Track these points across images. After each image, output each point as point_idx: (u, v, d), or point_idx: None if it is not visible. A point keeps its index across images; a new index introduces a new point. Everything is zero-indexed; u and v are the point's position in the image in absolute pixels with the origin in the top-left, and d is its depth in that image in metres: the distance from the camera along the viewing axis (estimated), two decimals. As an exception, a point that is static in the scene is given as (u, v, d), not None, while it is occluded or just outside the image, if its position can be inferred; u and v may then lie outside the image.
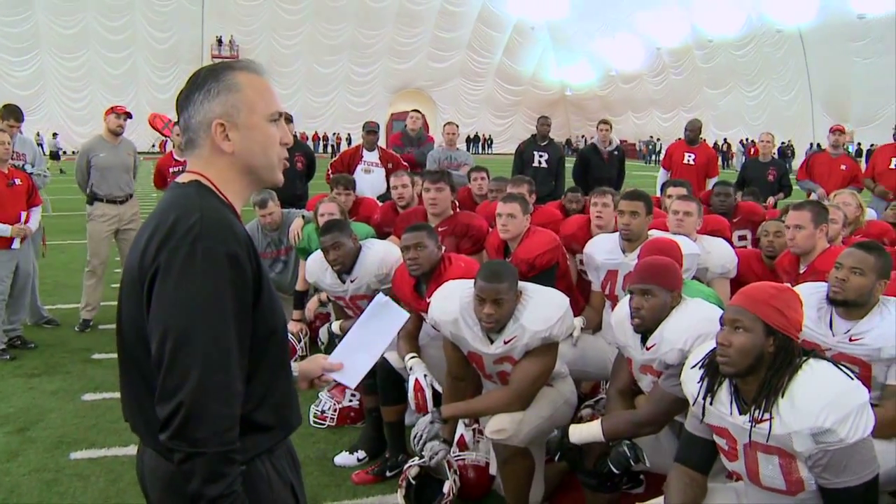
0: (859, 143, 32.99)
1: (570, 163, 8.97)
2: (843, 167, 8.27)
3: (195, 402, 1.39)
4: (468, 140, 51.22)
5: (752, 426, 2.29)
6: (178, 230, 1.45)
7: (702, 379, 2.49)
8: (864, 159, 26.79)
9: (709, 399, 2.45)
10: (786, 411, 2.23)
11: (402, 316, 2.21)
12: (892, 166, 7.80)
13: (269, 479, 1.61)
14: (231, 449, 1.43)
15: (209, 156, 1.59)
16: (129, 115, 6.70)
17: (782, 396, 2.25)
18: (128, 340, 1.57)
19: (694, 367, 2.55)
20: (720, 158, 38.31)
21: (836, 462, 2.21)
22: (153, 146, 34.93)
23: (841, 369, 2.29)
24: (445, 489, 3.49)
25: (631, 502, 3.22)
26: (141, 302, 1.48)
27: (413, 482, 3.55)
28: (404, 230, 3.87)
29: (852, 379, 2.26)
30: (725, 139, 42.29)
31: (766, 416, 2.26)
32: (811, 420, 2.18)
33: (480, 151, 50.68)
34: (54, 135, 36.38)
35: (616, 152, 8.81)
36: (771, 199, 7.87)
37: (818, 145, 32.01)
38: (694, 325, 2.89)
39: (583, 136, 53.42)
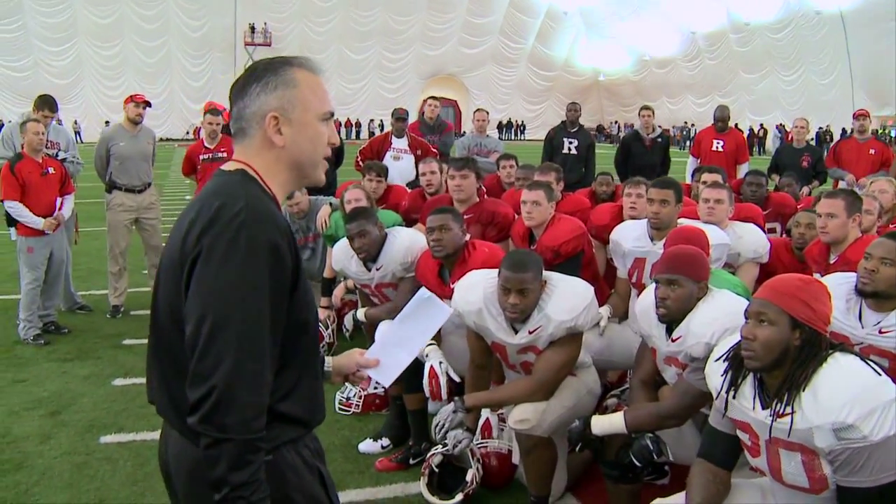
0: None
1: (601, 149, 8.87)
2: (871, 151, 8.15)
3: (227, 387, 1.40)
4: (500, 126, 51.04)
5: (773, 421, 2.24)
6: (222, 216, 1.46)
7: (725, 372, 2.43)
8: (904, 144, 26.07)
9: (732, 393, 2.40)
10: (808, 405, 2.17)
11: (444, 312, 2.18)
12: None
13: (295, 467, 1.62)
14: (258, 437, 1.44)
15: (259, 147, 1.61)
16: (147, 104, 6.72)
17: (805, 390, 2.19)
18: (162, 321, 1.59)
19: (718, 360, 2.49)
20: (756, 144, 37.85)
21: (855, 459, 2.13)
22: (187, 133, 35.29)
23: (868, 364, 2.20)
24: (469, 477, 3.49)
25: (653, 494, 3.18)
26: (179, 284, 1.50)
27: (436, 470, 3.56)
28: (430, 213, 3.86)
29: (880, 374, 2.17)
30: (762, 124, 41.62)
31: (788, 410, 2.20)
32: (833, 414, 2.11)
33: (513, 138, 50.50)
34: (106, 123, 36.62)
35: (660, 139, 8.68)
36: (806, 189, 7.74)
37: (845, 131, 31.32)
38: (721, 319, 2.83)
39: (615, 122, 53.01)
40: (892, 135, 31.83)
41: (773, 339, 2.22)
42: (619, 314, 4.36)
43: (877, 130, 30.41)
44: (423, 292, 2.19)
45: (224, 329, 1.41)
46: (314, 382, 1.67)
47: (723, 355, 2.48)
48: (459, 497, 3.47)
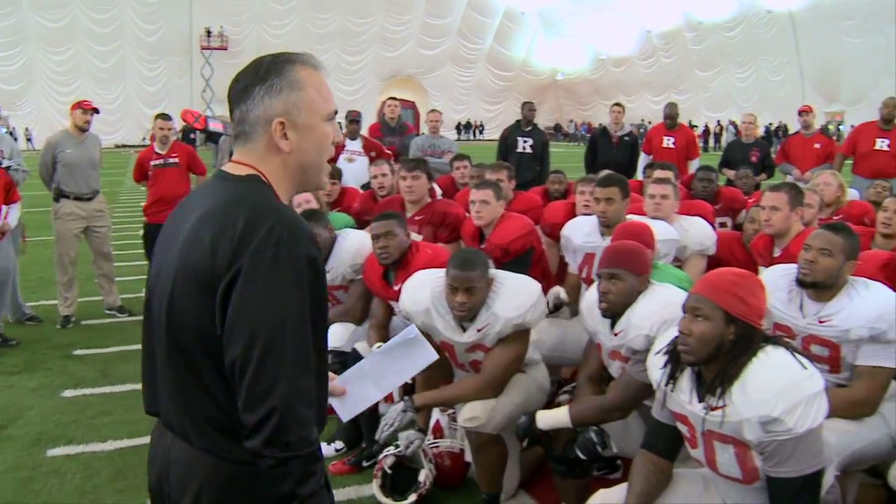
0: (852, 124, 32.94)
1: (558, 147, 8.92)
2: (816, 146, 8.39)
3: (287, 408, 1.38)
4: (459, 127, 51.11)
5: (706, 414, 2.28)
6: (257, 232, 1.42)
7: (665, 365, 2.47)
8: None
9: (670, 386, 2.44)
10: (738, 399, 2.22)
11: (429, 356, 2.11)
12: (876, 147, 7.78)
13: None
14: (317, 448, 1.46)
15: (264, 152, 1.56)
16: (95, 111, 6.61)
17: (735, 384, 2.23)
18: (182, 337, 1.52)
19: (658, 353, 2.54)
20: (713, 140, 38.46)
21: (781, 451, 2.19)
22: (144, 139, 34.78)
23: (796, 357, 2.25)
24: (422, 478, 3.49)
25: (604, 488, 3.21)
26: (205, 303, 1.45)
27: (389, 472, 3.55)
28: (373, 219, 3.85)
29: (806, 368, 2.22)
30: (718, 121, 42.27)
31: (721, 403, 2.25)
32: (760, 408, 2.16)
33: (472, 138, 50.58)
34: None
35: (627, 137, 8.71)
36: (760, 177, 7.94)
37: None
38: (660, 311, 2.88)
39: (571, 121, 53.42)
40: (842, 129, 32.48)
41: (708, 334, 2.26)
42: (572, 301, 4.38)
43: (825, 125, 31.05)
44: (412, 330, 2.12)
45: (276, 349, 1.39)
46: (325, 387, 1.66)
47: (662, 349, 2.52)
48: (413, 498, 3.47)
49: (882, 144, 7.76)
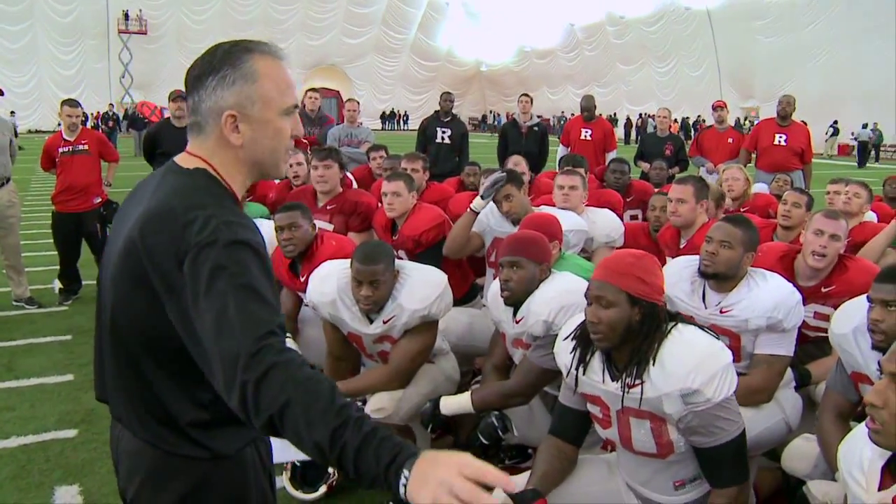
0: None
1: (480, 139, 8.95)
2: (729, 140, 8.72)
3: (254, 380, 1.27)
4: (383, 116, 50.90)
5: (624, 392, 2.35)
6: (195, 225, 1.37)
7: (574, 350, 2.53)
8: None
9: (581, 369, 2.50)
10: (656, 375, 2.30)
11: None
12: (775, 142, 8.08)
13: (255, 466, 1.62)
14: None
15: (215, 145, 1.52)
16: (0, 93, 6.34)
17: (653, 362, 2.31)
18: (123, 331, 1.50)
19: (566, 338, 2.58)
20: (634, 132, 39.27)
21: (705, 423, 2.30)
22: (59, 125, 33.45)
23: (707, 332, 2.38)
24: (331, 469, 3.47)
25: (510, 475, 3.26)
26: (145, 299, 1.42)
27: (298, 464, 3.52)
28: (277, 211, 3.81)
29: (717, 339, 2.36)
30: (641, 114, 43.14)
31: (638, 381, 2.32)
32: (680, 382, 2.25)
33: (396, 128, 50.43)
34: (12, 113, 32.93)
35: (536, 128, 8.75)
36: (674, 169, 8.16)
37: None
38: (557, 297, 2.94)
39: (490, 111, 53.75)
40: (755, 124, 33.60)
41: (616, 319, 2.32)
42: None
43: (738, 120, 32.06)
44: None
45: (225, 328, 1.31)
46: None
47: (571, 334, 2.57)
48: (323, 489, 3.45)
49: (780, 139, 8.08)
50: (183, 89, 1.57)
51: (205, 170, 1.51)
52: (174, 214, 1.40)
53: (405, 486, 1.18)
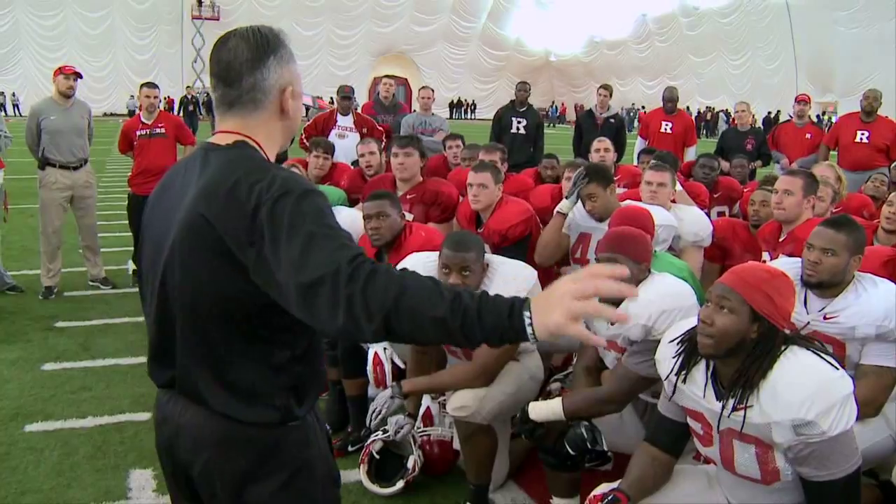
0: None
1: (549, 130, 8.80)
2: (807, 136, 8.38)
3: (360, 289, 1.32)
4: (451, 105, 50.83)
5: (724, 413, 2.20)
6: (262, 187, 1.44)
7: (677, 355, 2.38)
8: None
9: (682, 377, 2.35)
10: (766, 401, 2.13)
11: None
12: (857, 139, 7.75)
13: (316, 430, 1.68)
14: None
15: (268, 117, 1.63)
16: (78, 75, 6.42)
17: (762, 385, 2.15)
18: (198, 308, 1.54)
19: (672, 342, 2.44)
20: (704, 127, 38.41)
21: (818, 455, 2.11)
22: (128, 110, 34.43)
23: (824, 358, 2.17)
24: (409, 464, 3.43)
25: (597, 480, 3.14)
26: (220, 266, 1.47)
27: (376, 457, 3.48)
28: (366, 199, 3.75)
29: (837, 369, 2.14)
30: (709, 107, 42.22)
31: (743, 404, 2.16)
32: (793, 411, 2.07)
33: (463, 117, 50.35)
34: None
35: (612, 119, 8.55)
36: (756, 163, 7.93)
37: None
38: (658, 301, 2.78)
39: (552, 104, 53.20)
40: (833, 120, 32.57)
41: (731, 328, 2.17)
42: None
43: (819, 115, 31.07)
44: None
45: (316, 246, 1.37)
46: (321, 352, 1.73)
47: (677, 337, 2.43)
48: (400, 484, 3.41)
49: (862, 136, 7.74)
50: None
51: (245, 142, 1.60)
52: (238, 181, 1.47)
53: (531, 324, 1.26)
